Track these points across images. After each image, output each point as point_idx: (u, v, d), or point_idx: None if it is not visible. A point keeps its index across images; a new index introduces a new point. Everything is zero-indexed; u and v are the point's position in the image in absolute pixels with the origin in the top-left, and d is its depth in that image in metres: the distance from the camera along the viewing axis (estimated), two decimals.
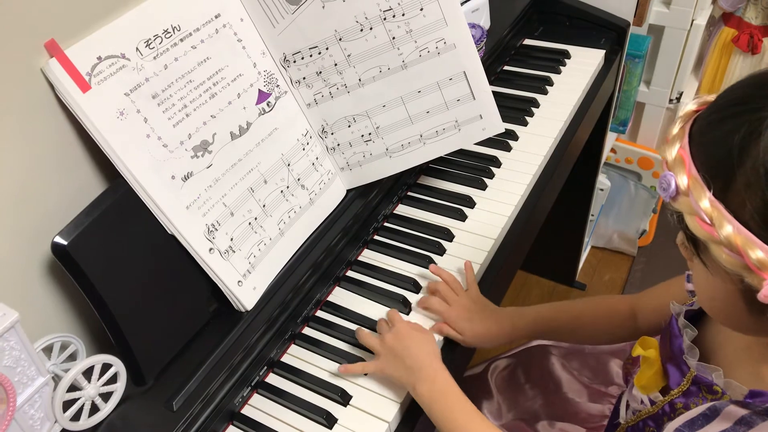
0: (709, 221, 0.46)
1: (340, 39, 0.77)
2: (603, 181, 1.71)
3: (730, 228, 0.45)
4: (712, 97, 0.51)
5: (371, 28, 0.76)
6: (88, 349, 0.71)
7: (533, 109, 1.13)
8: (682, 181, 0.48)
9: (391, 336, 0.73)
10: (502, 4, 1.27)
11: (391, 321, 0.76)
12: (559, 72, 1.22)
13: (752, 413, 0.53)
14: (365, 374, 0.75)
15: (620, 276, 1.94)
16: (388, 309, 0.82)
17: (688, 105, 0.52)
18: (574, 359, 0.99)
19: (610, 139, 1.72)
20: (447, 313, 0.80)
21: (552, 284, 1.92)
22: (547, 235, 1.51)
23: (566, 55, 1.25)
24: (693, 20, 1.51)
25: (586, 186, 1.61)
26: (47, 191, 0.65)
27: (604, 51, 1.25)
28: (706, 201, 0.46)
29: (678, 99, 1.68)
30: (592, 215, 1.74)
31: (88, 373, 0.65)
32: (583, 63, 1.24)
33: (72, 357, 0.69)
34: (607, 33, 1.29)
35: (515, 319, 0.85)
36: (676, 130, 0.51)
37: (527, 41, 1.31)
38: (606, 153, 1.65)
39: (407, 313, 0.82)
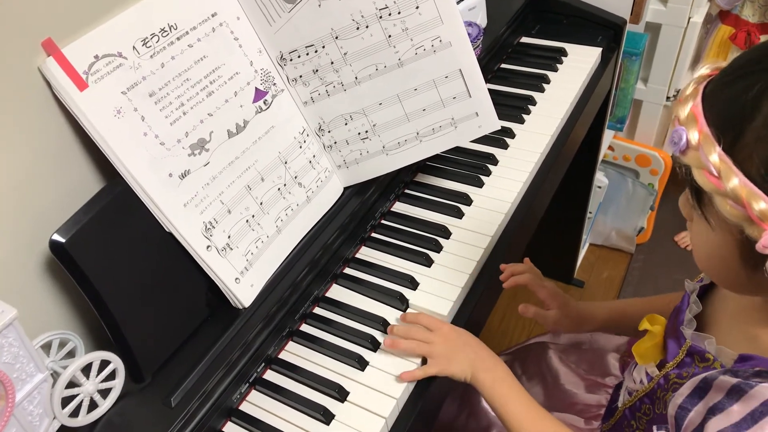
0: (716, 174, 0.48)
1: (337, 37, 0.78)
2: (601, 178, 1.71)
3: (736, 180, 0.47)
4: (724, 63, 0.53)
5: (367, 27, 0.77)
6: (86, 346, 0.71)
7: (530, 107, 1.14)
8: (693, 136, 0.50)
9: (442, 338, 0.76)
10: (499, 2, 1.27)
11: (432, 326, 0.78)
12: (555, 70, 1.23)
13: (741, 381, 0.55)
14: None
15: (618, 273, 1.94)
16: (385, 305, 0.83)
17: (702, 69, 0.54)
18: (572, 353, 1.00)
19: (608, 136, 1.72)
20: (547, 298, 0.93)
21: (550, 282, 1.92)
22: (546, 232, 1.52)
23: (563, 53, 1.26)
24: (690, 18, 1.51)
25: (584, 184, 1.62)
26: (44, 189, 0.66)
27: (600, 49, 1.26)
28: (715, 155, 0.48)
29: (675, 96, 1.68)
30: (590, 213, 1.75)
31: (86, 370, 0.65)
32: (580, 61, 1.24)
33: (71, 354, 0.70)
34: (603, 31, 1.29)
35: (592, 309, 0.94)
36: (689, 90, 0.53)
37: (524, 39, 1.31)
38: (604, 150, 1.66)
39: (404, 309, 0.83)
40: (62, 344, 0.69)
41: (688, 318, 0.68)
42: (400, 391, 0.74)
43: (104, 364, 0.67)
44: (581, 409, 0.90)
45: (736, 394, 0.55)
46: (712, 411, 0.56)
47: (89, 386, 0.65)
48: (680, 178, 0.54)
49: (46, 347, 0.67)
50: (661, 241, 1.98)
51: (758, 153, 0.47)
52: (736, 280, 0.56)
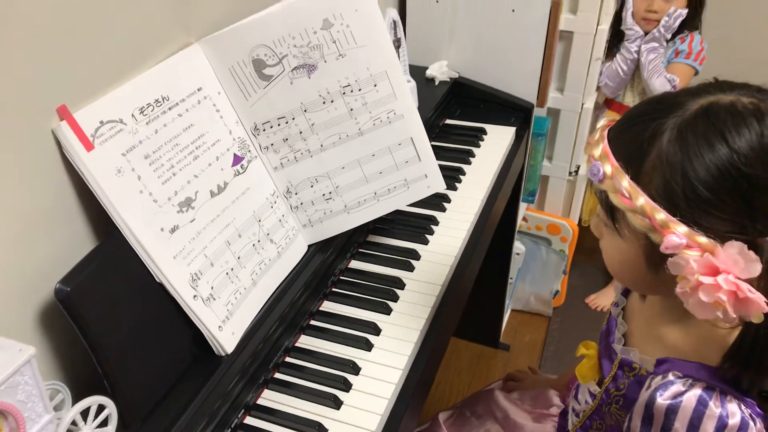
0: (628, 196, 0.63)
1: (305, 110, 0.89)
2: (518, 246, 1.88)
3: (642, 199, 0.62)
4: (616, 117, 0.70)
5: (332, 101, 0.89)
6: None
7: (461, 177, 1.29)
8: (608, 168, 0.65)
9: None
10: (426, 89, 1.46)
11: None
12: (478, 146, 1.40)
13: (671, 403, 0.67)
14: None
15: (540, 336, 2.09)
16: (352, 348, 0.90)
17: (602, 121, 0.71)
18: (512, 391, 1.10)
19: (522, 208, 1.91)
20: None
21: (479, 347, 2.04)
22: (473, 299, 1.64)
23: (483, 131, 1.44)
24: (583, 104, 1.76)
25: (505, 251, 1.78)
26: (42, 243, 0.70)
27: (514, 128, 1.45)
28: (625, 181, 0.63)
29: (576, 172, 1.92)
30: (511, 278, 1.90)
31: (83, 414, 0.67)
32: (499, 138, 1.42)
33: (57, 407, 0.71)
34: (516, 113, 1.50)
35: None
36: (597, 136, 0.68)
37: (448, 121, 1.49)
38: (519, 221, 1.84)
39: (369, 350, 0.90)
40: (51, 397, 0.70)
41: (618, 337, 0.81)
42: (375, 424, 0.81)
43: (100, 409, 0.69)
44: None
45: (672, 413, 0.67)
46: None
47: (86, 430, 0.67)
48: (601, 200, 0.69)
49: None
50: (574, 303, 2.16)
51: (655, 179, 0.63)
52: (642, 280, 0.70)
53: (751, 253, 0.58)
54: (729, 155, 0.59)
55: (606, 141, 0.67)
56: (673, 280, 0.62)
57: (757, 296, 0.57)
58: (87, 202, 0.73)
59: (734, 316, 0.58)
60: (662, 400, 0.67)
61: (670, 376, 0.69)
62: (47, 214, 0.70)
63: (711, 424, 0.65)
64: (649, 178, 0.63)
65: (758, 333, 0.62)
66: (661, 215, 0.61)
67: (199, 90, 0.83)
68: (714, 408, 0.65)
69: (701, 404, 0.65)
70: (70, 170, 0.70)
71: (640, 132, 0.64)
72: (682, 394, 0.67)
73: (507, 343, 2.04)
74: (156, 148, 0.76)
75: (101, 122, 0.71)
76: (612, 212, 0.68)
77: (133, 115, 0.74)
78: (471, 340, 2.03)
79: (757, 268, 0.58)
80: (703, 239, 0.60)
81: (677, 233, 0.60)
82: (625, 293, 0.86)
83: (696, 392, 0.66)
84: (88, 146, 0.69)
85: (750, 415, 0.65)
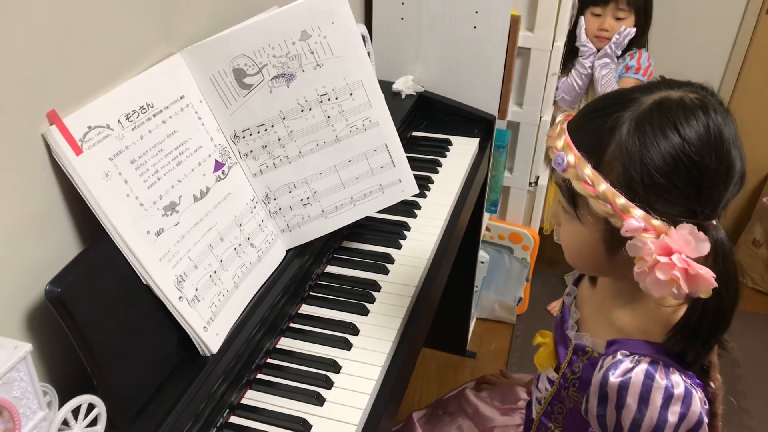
0: (590, 183, 0.68)
1: (284, 118, 0.92)
2: (482, 254, 1.94)
3: (604, 186, 0.67)
4: (574, 112, 0.75)
5: (310, 109, 0.93)
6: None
7: (429, 185, 1.34)
8: (571, 158, 0.70)
9: None
10: (393, 103, 1.50)
11: None
12: (445, 156, 1.45)
13: (621, 380, 0.72)
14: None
15: (504, 344, 2.14)
16: (333, 348, 0.93)
17: (560, 116, 0.76)
18: (482, 390, 1.14)
19: (485, 218, 1.97)
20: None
21: (447, 356, 2.08)
22: (440, 308, 1.68)
23: (449, 142, 1.49)
24: (541, 117, 1.84)
25: (470, 260, 1.83)
26: (31, 244, 0.71)
27: (478, 139, 1.51)
28: (588, 170, 0.68)
29: (535, 182, 1.99)
30: (477, 286, 1.95)
31: (74, 413, 0.68)
32: (463, 148, 1.48)
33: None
34: (478, 125, 1.56)
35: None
36: (557, 129, 0.73)
37: (415, 133, 1.54)
38: (483, 230, 1.90)
39: (349, 350, 0.93)
40: None
41: (571, 324, 0.86)
42: (357, 419, 0.83)
43: (89, 408, 0.70)
44: (502, 431, 1.03)
45: (624, 390, 0.72)
46: (618, 409, 0.73)
47: (76, 429, 0.68)
48: (561, 186, 0.74)
49: None
50: (537, 311, 2.23)
51: (615, 167, 0.68)
52: (598, 264, 0.76)
53: (701, 233, 0.64)
54: (681, 144, 0.65)
55: (567, 133, 0.72)
56: (627, 263, 0.68)
57: (705, 272, 0.63)
58: (75, 205, 0.74)
59: (686, 291, 0.64)
60: (614, 378, 0.72)
61: (619, 355, 0.74)
62: (37, 216, 0.71)
63: (659, 395, 0.70)
64: (610, 166, 0.68)
65: (705, 308, 0.68)
66: (621, 200, 0.67)
67: (181, 98, 0.85)
68: (660, 380, 0.70)
69: (648, 378, 0.71)
70: (59, 174, 0.72)
71: (600, 124, 0.70)
72: (630, 370, 0.72)
73: (474, 350, 2.08)
74: (141, 153, 0.78)
75: (89, 127, 0.73)
76: (574, 199, 0.73)
77: (119, 121, 0.76)
78: (439, 348, 2.07)
79: (706, 247, 0.64)
80: (657, 222, 0.66)
81: (636, 217, 0.66)
82: (576, 282, 0.91)
83: (643, 367, 0.71)
84: (77, 150, 0.71)
85: (691, 384, 0.71)
